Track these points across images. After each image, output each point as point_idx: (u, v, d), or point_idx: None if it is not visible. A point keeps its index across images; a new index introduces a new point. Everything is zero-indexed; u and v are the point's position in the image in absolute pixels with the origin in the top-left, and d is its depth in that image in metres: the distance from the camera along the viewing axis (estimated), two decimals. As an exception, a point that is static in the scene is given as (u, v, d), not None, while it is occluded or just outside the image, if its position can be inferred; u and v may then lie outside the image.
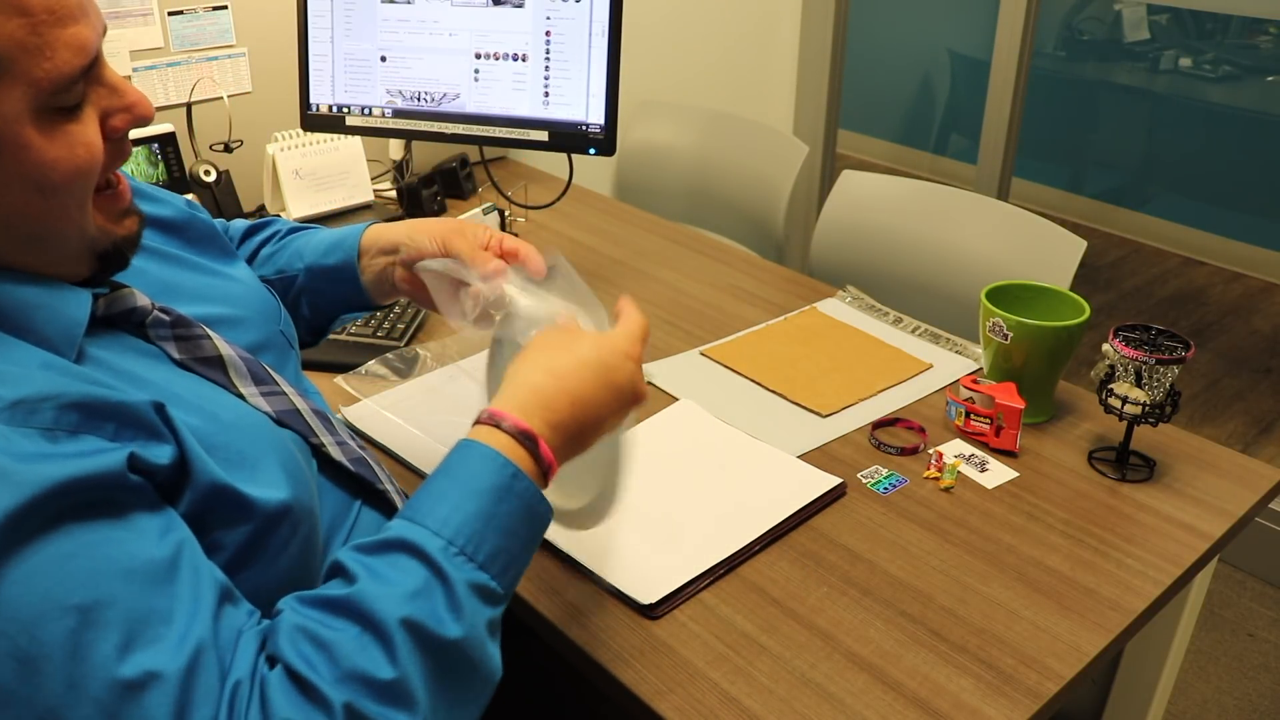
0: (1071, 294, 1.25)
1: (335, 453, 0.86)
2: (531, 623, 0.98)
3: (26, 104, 0.63)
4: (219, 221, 1.02)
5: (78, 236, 0.70)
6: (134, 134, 1.43)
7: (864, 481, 1.15)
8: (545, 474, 0.73)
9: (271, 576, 0.72)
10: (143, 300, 0.77)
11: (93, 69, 0.67)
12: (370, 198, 1.86)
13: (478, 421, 0.73)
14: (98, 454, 0.61)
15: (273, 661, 0.63)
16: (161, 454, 0.66)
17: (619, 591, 0.97)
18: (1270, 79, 3.65)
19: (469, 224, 0.98)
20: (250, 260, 1.09)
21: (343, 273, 1.02)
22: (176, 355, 0.77)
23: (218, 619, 0.63)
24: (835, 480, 1.13)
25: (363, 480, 0.88)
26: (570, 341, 0.79)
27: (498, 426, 0.72)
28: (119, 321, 0.75)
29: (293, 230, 1.12)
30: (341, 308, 1.07)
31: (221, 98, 1.79)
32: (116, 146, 0.71)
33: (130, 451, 0.63)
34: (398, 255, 0.99)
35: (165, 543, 0.63)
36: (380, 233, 1.02)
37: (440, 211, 1.92)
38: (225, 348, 0.81)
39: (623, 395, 0.78)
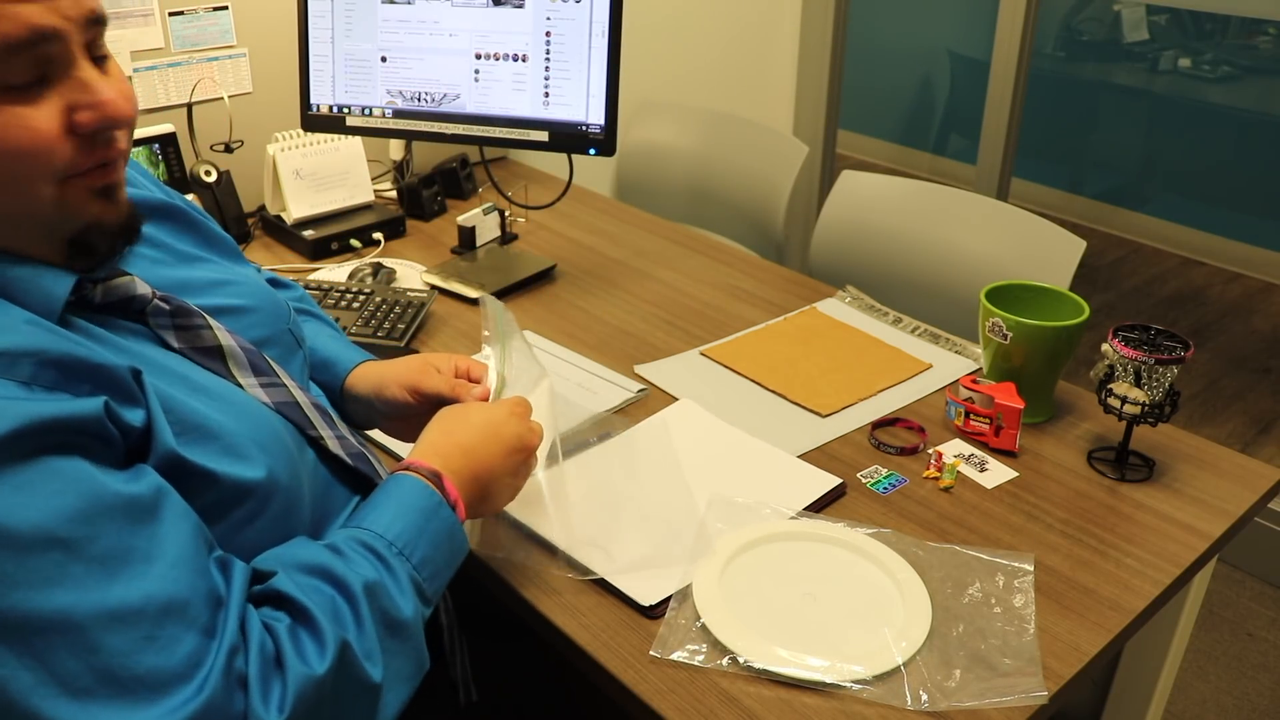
0: (1071, 294, 1.25)
1: (334, 446, 0.87)
2: (532, 622, 0.98)
3: None
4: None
5: (30, 217, 0.69)
6: (135, 134, 1.42)
7: (864, 481, 1.15)
8: (453, 508, 0.83)
9: (234, 547, 0.73)
10: (143, 289, 0.78)
11: (53, 55, 0.66)
12: (370, 198, 1.86)
13: (393, 470, 0.85)
14: (75, 401, 0.64)
15: (278, 603, 0.70)
16: (135, 417, 0.68)
17: (619, 591, 0.98)
18: (1270, 79, 3.65)
19: (433, 359, 1.03)
20: None
21: (328, 390, 1.06)
22: (175, 344, 0.79)
23: (200, 562, 0.66)
24: (835, 480, 1.13)
25: (360, 474, 0.89)
26: (464, 410, 0.93)
27: (410, 470, 0.84)
28: (118, 309, 0.77)
29: (300, 310, 1.10)
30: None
31: (222, 98, 1.80)
32: (87, 142, 0.68)
33: (105, 400, 0.65)
34: (373, 405, 1.04)
35: (143, 484, 0.65)
36: (358, 380, 1.05)
37: (440, 212, 1.92)
38: (226, 338, 0.83)
39: (507, 444, 0.90)
